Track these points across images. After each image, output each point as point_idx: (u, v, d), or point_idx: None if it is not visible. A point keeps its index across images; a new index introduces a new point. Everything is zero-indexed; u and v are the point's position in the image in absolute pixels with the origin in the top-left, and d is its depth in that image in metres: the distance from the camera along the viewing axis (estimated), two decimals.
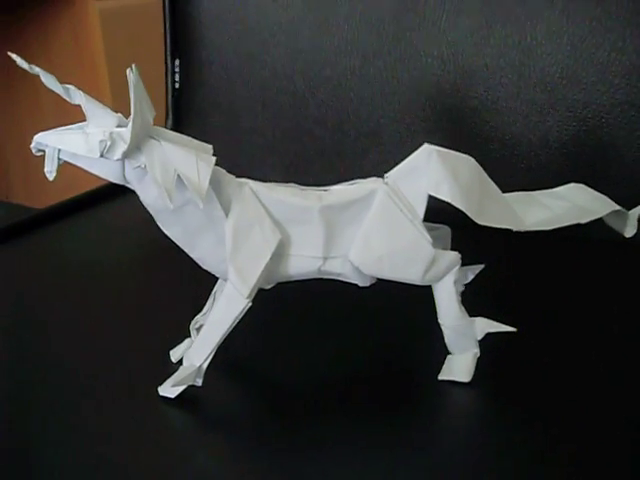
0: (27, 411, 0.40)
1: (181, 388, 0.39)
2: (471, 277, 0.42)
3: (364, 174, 0.64)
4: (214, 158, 0.37)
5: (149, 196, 0.37)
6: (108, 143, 0.36)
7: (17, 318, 0.50)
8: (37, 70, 0.36)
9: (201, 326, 0.43)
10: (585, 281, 0.48)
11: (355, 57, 0.63)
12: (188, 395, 0.39)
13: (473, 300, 0.40)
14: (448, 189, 0.38)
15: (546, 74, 0.56)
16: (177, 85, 0.72)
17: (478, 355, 0.40)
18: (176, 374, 0.38)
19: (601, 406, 0.38)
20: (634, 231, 0.42)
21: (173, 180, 0.36)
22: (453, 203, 0.38)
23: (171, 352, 0.43)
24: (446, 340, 0.40)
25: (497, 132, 0.59)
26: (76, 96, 0.36)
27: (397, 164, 0.62)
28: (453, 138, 0.61)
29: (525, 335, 0.39)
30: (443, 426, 0.38)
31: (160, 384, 0.40)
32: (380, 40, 0.62)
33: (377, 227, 0.38)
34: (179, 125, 0.73)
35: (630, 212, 0.43)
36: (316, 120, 0.66)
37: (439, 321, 0.40)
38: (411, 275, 0.38)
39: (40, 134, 0.37)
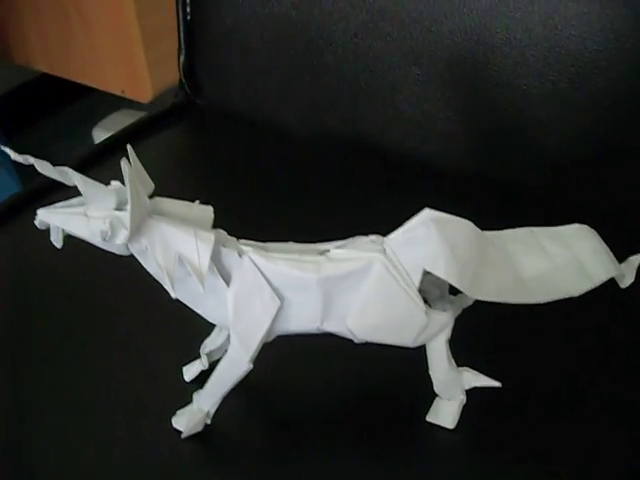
0: (29, 429, 0.44)
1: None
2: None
3: (380, 131, 0.64)
4: (213, 236, 0.38)
5: (152, 267, 0.39)
6: (109, 233, 0.37)
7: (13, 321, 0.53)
8: (32, 160, 0.37)
9: (211, 351, 0.46)
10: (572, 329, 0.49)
11: (372, 12, 0.60)
12: None
13: (463, 343, 0.42)
14: (444, 266, 0.38)
15: (572, 58, 0.53)
16: (189, 17, 0.69)
17: (464, 402, 0.42)
18: (188, 420, 0.42)
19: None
20: (631, 281, 0.43)
21: (174, 263, 0.37)
22: (447, 280, 0.39)
23: (184, 369, 0.47)
24: (435, 388, 0.42)
25: (514, 108, 0.57)
26: (73, 178, 0.37)
27: (413, 123, 0.62)
28: (469, 108, 0.59)
29: (512, 385, 0.42)
30: (425, 466, 0.42)
31: (171, 404, 0.44)
32: None
33: (374, 298, 0.39)
34: (192, 59, 0.70)
35: (630, 259, 0.43)
36: (332, 70, 0.64)
37: (429, 372, 0.42)
38: (403, 340, 0.40)
39: (43, 212, 0.37)
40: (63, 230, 0.38)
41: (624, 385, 0.44)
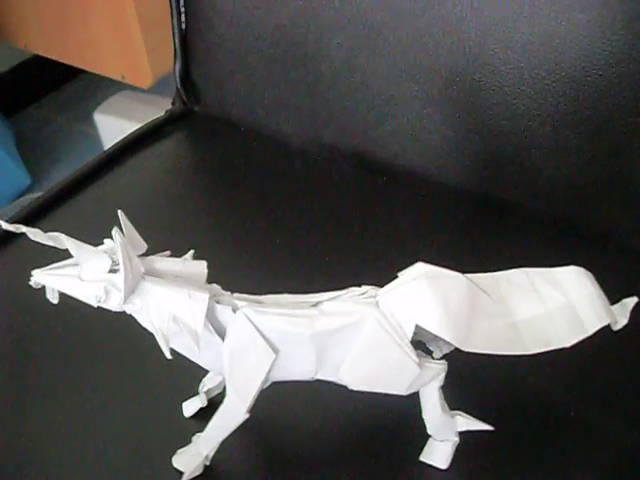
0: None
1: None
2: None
3: (378, 144, 0.64)
4: (207, 297, 0.38)
5: (148, 325, 0.39)
6: (103, 297, 0.37)
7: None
8: (23, 229, 0.37)
9: (209, 389, 0.47)
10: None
11: (369, 27, 0.59)
12: None
13: (455, 385, 0.43)
14: (437, 323, 0.39)
15: (572, 81, 0.52)
16: (183, 25, 0.68)
17: (457, 443, 0.43)
18: (188, 463, 0.43)
19: None
20: (624, 323, 0.43)
21: (168, 324, 0.38)
22: (440, 336, 0.39)
23: (184, 405, 0.48)
24: (428, 430, 0.43)
25: (511, 128, 0.56)
26: (64, 242, 0.37)
27: (409, 138, 0.62)
28: (466, 126, 0.58)
29: (505, 427, 0.43)
30: None
31: (172, 440, 0.45)
32: (395, 14, 0.57)
33: (366, 351, 0.40)
34: (188, 67, 0.70)
35: (624, 302, 0.43)
36: (328, 83, 0.63)
37: (422, 415, 0.43)
38: (396, 390, 0.41)
39: (38, 274, 0.38)
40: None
41: (624, 430, 0.45)
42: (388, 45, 0.58)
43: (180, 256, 0.41)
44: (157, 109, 1.26)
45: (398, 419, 0.45)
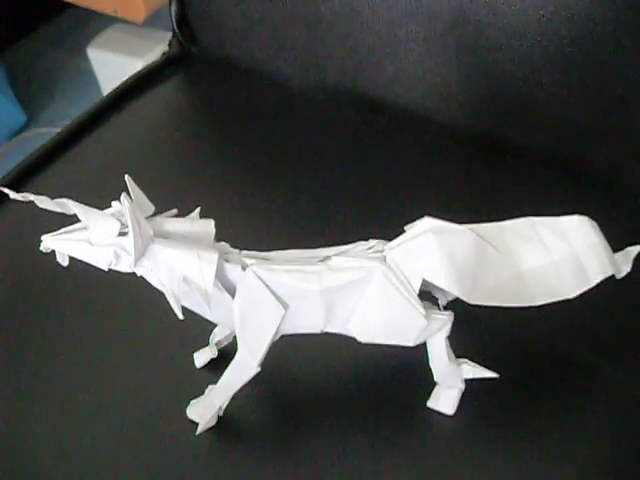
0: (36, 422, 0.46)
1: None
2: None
3: (380, 86, 0.63)
4: (216, 257, 0.38)
5: (159, 286, 0.40)
6: (114, 261, 0.37)
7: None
8: (31, 197, 0.37)
9: (219, 340, 0.48)
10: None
11: None
12: None
13: (462, 336, 0.43)
14: (444, 278, 0.39)
15: (577, 22, 0.51)
16: None
17: (463, 390, 0.45)
18: (202, 415, 0.44)
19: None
20: (627, 271, 0.43)
21: (179, 284, 0.38)
22: (447, 289, 0.40)
23: (195, 356, 0.49)
24: (435, 378, 0.44)
25: (515, 70, 0.55)
26: (72, 208, 0.37)
27: (412, 80, 0.61)
28: (469, 68, 0.57)
29: (509, 374, 0.44)
30: (426, 448, 0.44)
31: (185, 391, 0.46)
32: None
33: (374, 305, 0.40)
34: (184, 8, 0.68)
35: (628, 250, 0.44)
36: (328, 24, 0.62)
37: (429, 363, 0.44)
38: (404, 341, 0.42)
39: (47, 239, 0.38)
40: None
41: (623, 376, 0.46)
42: None
43: (186, 211, 0.42)
44: (151, 42, 1.24)
45: (405, 367, 0.46)
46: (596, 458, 0.43)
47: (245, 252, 0.41)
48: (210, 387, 0.45)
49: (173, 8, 0.68)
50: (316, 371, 0.47)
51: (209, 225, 0.40)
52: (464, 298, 0.40)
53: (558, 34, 0.52)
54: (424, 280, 0.40)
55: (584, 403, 0.44)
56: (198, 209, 0.42)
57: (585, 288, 0.41)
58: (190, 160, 0.63)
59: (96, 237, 0.37)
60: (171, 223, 0.39)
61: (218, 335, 0.48)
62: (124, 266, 0.38)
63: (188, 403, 0.46)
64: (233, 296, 0.40)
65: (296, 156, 0.62)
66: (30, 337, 0.52)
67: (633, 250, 0.44)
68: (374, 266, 0.40)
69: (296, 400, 0.46)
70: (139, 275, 0.39)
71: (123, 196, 0.36)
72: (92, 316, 0.52)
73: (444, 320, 0.42)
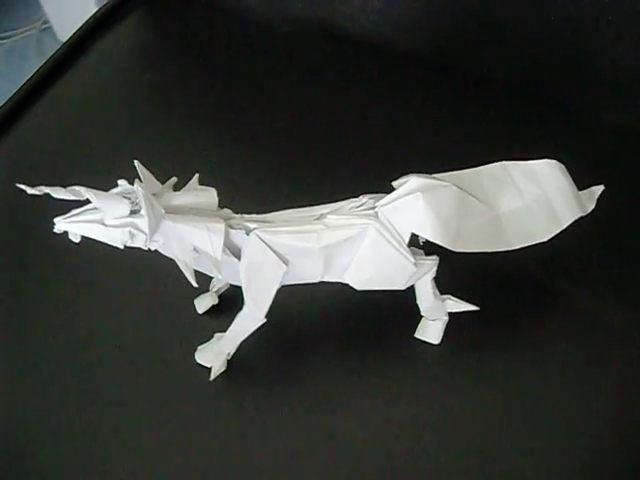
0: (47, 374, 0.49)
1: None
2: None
3: (346, 17, 0.63)
4: (223, 227, 0.41)
5: (171, 256, 0.42)
6: (129, 241, 0.40)
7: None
8: (46, 190, 0.38)
9: (219, 288, 0.51)
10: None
11: None
12: None
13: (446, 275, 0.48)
14: (431, 231, 0.43)
15: None
16: None
17: (447, 321, 0.49)
18: (213, 362, 0.48)
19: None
20: (592, 207, 0.48)
21: (190, 254, 0.41)
22: (434, 241, 0.43)
23: (196, 302, 0.52)
24: (421, 312, 0.49)
25: (480, 4, 0.57)
26: (83, 194, 0.39)
27: (378, 12, 0.62)
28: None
29: (488, 309, 0.49)
30: (414, 375, 0.49)
31: (189, 336, 0.50)
32: None
33: (369, 257, 0.44)
34: None
35: (591, 189, 0.48)
36: None
37: (416, 302, 0.48)
38: (395, 286, 0.46)
39: (60, 222, 0.40)
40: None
41: (587, 299, 0.51)
42: None
43: (173, 162, 0.43)
44: None
45: (393, 304, 0.50)
46: (567, 372, 0.48)
47: (247, 216, 0.44)
48: (217, 335, 0.49)
49: None
50: (313, 314, 0.51)
51: (212, 195, 0.43)
52: (449, 247, 0.44)
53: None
54: (412, 234, 0.44)
55: (557, 327, 0.50)
56: (196, 176, 0.44)
57: (557, 231, 0.46)
58: (165, 103, 0.64)
59: (109, 218, 0.40)
60: (177, 198, 0.42)
61: (217, 283, 0.51)
62: (139, 244, 0.40)
63: (195, 349, 0.50)
64: (239, 258, 0.43)
65: (266, 92, 0.63)
66: (33, 297, 0.54)
67: (596, 190, 0.48)
68: (368, 223, 0.43)
69: (297, 342, 0.51)
70: (152, 250, 0.41)
71: (136, 184, 0.38)
72: (89, 271, 0.55)
73: (430, 264, 0.46)
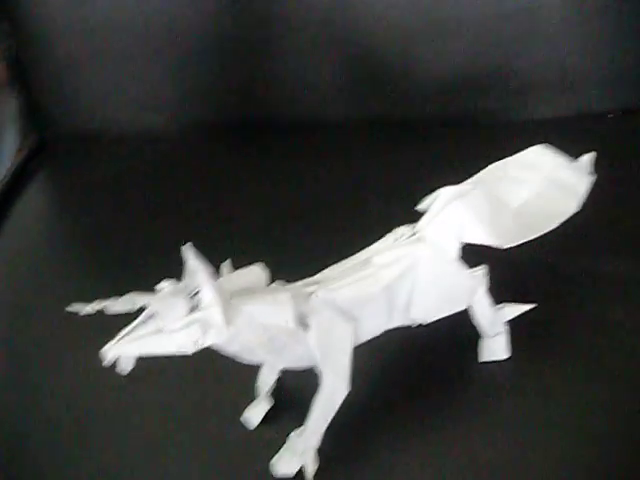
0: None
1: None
2: None
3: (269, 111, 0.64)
4: (289, 294, 0.38)
5: (234, 348, 0.38)
6: (201, 339, 0.35)
7: None
8: (98, 308, 0.34)
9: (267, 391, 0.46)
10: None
11: None
12: None
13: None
14: (483, 234, 0.43)
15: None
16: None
17: (508, 332, 0.48)
18: (304, 462, 0.42)
19: None
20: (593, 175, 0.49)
21: (264, 338, 0.37)
22: (487, 244, 0.43)
23: (245, 418, 0.46)
24: (482, 331, 0.47)
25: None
26: (138, 302, 0.35)
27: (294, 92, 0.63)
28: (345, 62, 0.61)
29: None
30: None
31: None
32: None
33: (428, 285, 0.42)
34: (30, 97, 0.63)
35: (581, 160, 0.49)
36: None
37: (474, 320, 0.46)
38: (459, 306, 0.44)
39: (113, 348, 0.35)
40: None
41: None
42: None
43: None
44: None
45: (441, 341, 0.48)
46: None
47: (299, 283, 0.41)
48: (293, 434, 0.43)
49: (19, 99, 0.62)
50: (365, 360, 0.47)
51: (259, 271, 0.39)
52: (501, 245, 0.43)
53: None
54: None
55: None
56: (228, 261, 0.41)
57: (579, 199, 0.46)
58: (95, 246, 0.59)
59: (171, 322, 0.35)
60: (231, 280, 0.38)
61: (263, 387, 0.46)
62: (211, 339, 0.35)
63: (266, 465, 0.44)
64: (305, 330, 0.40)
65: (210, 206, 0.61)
66: None
67: (586, 158, 0.50)
68: (416, 250, 0.42)
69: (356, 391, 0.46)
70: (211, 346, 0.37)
71: (196, 268, 0.34)
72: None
73: (481, 275, 0.44)
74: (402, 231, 0.43)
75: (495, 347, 0.48)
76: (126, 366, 0.36)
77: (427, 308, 0.43)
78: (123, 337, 0.35)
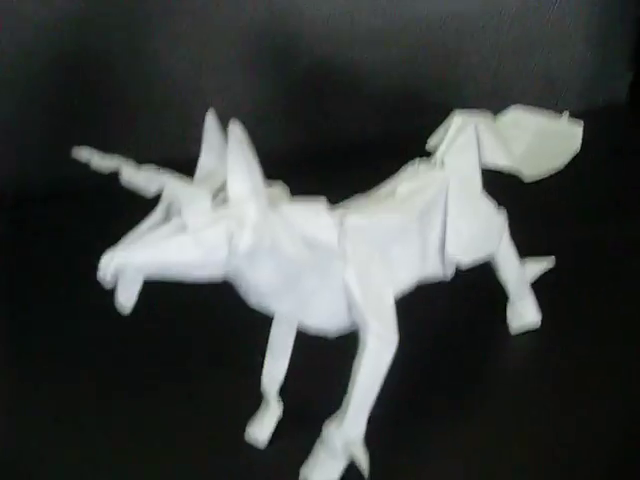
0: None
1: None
2: None
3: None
4: (324, 205, 0.30)
5: (263, 274, 0.29)
6: (236, 240, 0.26)
7: None
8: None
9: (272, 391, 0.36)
10: None
11: None
12: None
13: None
14: (503, 155, 0.38)
15: None
16: None
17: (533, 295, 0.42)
18: (355, 456, 0.33)
19: None
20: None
21: (303, 247, 0.29)
22: (510, 165, 0.39)
23: (250, 434, 0.36)
24: (509, 292, 0.41)
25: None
26: (161, 181, 0.26)
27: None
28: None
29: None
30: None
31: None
32: None
33: (459, 216, 0.36)
34: None
35: (562, 116, 0.47)
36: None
37: (502, 279, 0.41)
38: (491, 247, 0.39)
39: (118, 254, 0.25)
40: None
41: None
42: None
43: None
44: None
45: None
46: None
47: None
48: (327, 422, 0.33)
49: None
50: None
51: (280, 184, 0.31)
52: (522, 170, 0.39)
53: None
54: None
55: None
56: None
57: (579, 137, 0.43)
58: None
59: (196, 218, 0.26)
60: None
61: (273, 379, 0.36)
62: (249, 237, 0.27)
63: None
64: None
65: None
66: None
67: (564, 116, 0.48)
68: (440, 177, 0.36)
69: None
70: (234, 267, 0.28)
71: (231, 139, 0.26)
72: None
73: (504, 217, 0.39)
74: (419, 162, 0.37)
75: (525, 312, 0.42)
76: (129, 295, 0.26)
77: (462, 243, 0.36)
78: (133, 240, 0.26)
